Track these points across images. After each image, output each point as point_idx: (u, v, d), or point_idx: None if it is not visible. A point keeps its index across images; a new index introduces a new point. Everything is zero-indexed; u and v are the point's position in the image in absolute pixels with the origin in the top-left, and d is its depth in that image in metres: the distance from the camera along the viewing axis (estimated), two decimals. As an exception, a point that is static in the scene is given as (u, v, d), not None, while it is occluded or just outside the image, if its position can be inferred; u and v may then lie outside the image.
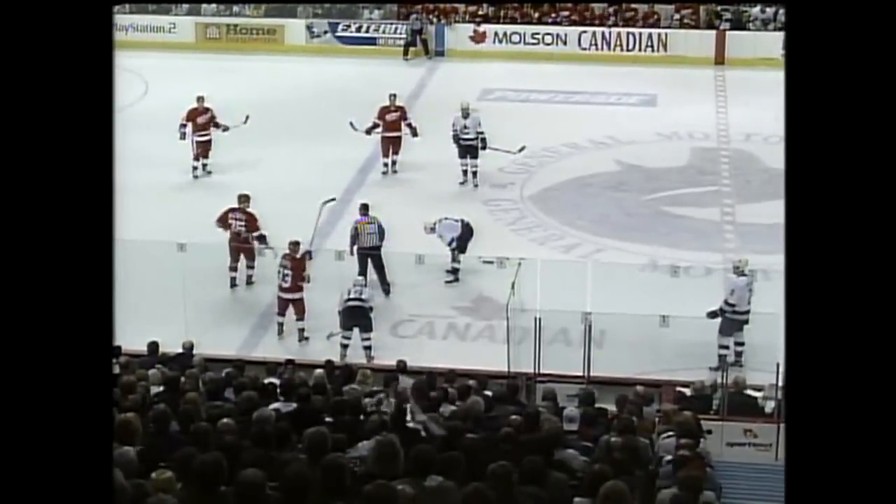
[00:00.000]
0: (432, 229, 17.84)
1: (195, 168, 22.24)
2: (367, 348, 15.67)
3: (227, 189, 21.66)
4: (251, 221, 17.51)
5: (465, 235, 17.86)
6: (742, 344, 15.31)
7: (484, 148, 21.59)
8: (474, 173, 21.78)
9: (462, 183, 21.86)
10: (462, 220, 17.97)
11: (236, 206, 17.65)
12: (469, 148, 21.67)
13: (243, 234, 17.45)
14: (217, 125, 22.17)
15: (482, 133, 21.61)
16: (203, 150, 22.23)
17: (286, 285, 16.13)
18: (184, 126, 22.07)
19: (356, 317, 15.72)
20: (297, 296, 16.16)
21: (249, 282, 17.79)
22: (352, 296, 15.75)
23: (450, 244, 17.72)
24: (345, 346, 15.66)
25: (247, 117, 22.08)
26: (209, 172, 22.38)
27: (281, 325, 16.38)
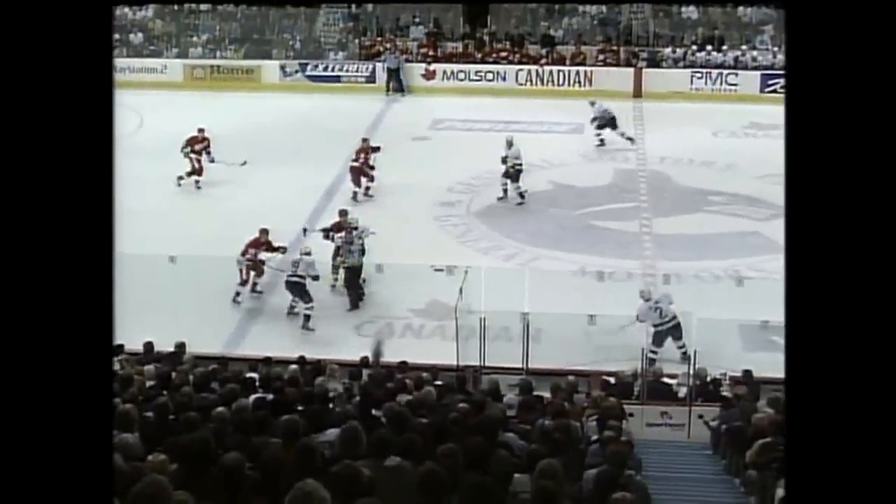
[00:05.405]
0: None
1: (180, 178, 22.63)
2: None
3: (212, 208, 21.71)
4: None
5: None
6: (683, 346, 15.21)
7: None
8: (520, 194, 21.76)
9: (500, 199, 21.88)
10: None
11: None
12: (509, 173, 21.74)
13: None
14: (209, 153, 22.57)
15: (519, 161, 21.73)
16: (192, 169, 22.64)
17: None
18: (184, 149, 22.56)
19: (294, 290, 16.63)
20: None
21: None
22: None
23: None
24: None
25: (244, 161, 22.47)
26: (199, 188, 22.72)
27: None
